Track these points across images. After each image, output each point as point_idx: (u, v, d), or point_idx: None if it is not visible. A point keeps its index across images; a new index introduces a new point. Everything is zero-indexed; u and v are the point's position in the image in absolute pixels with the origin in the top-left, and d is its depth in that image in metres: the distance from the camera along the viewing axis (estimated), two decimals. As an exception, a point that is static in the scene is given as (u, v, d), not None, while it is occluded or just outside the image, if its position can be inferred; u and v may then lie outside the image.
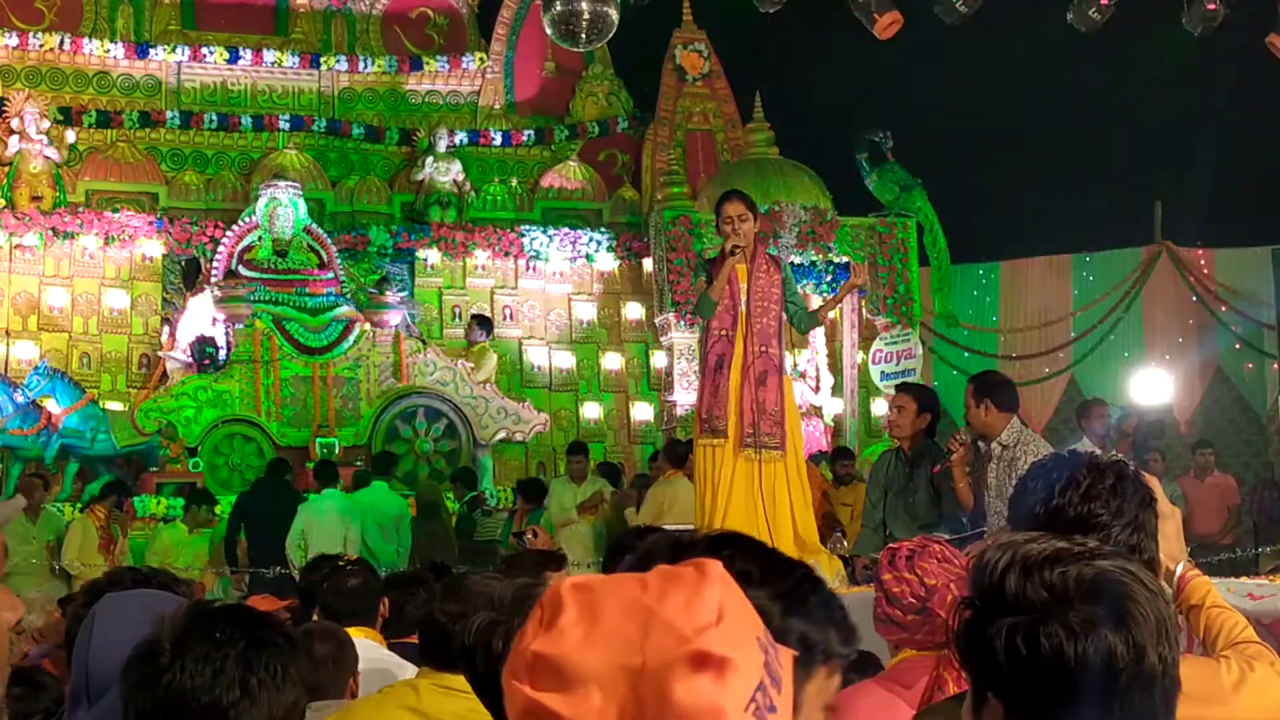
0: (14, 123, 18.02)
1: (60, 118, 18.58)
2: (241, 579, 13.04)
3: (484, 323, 18.05)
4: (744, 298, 8.13)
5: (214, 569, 13.25)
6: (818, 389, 17.85)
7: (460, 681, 3.87)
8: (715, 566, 1.31)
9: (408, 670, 4.45)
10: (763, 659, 1.28)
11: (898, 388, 8.94)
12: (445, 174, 19.31)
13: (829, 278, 17.90)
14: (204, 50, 19.56)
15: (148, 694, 2.14)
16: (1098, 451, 7.57)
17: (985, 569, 1.78)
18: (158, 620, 2.21)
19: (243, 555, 13.24)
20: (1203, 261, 19.70)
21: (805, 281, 17.05)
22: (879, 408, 18.08)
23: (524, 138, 20.30)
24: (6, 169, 17.99)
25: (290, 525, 13.01)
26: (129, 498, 14.48)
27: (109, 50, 19.34)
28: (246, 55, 19.69)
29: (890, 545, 3.81)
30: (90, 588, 3.28)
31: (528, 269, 19.33)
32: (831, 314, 16.32)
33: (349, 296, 17.62)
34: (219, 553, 13.51)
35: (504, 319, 19.18)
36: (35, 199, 17.86)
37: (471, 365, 17.53)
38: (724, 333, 8.13)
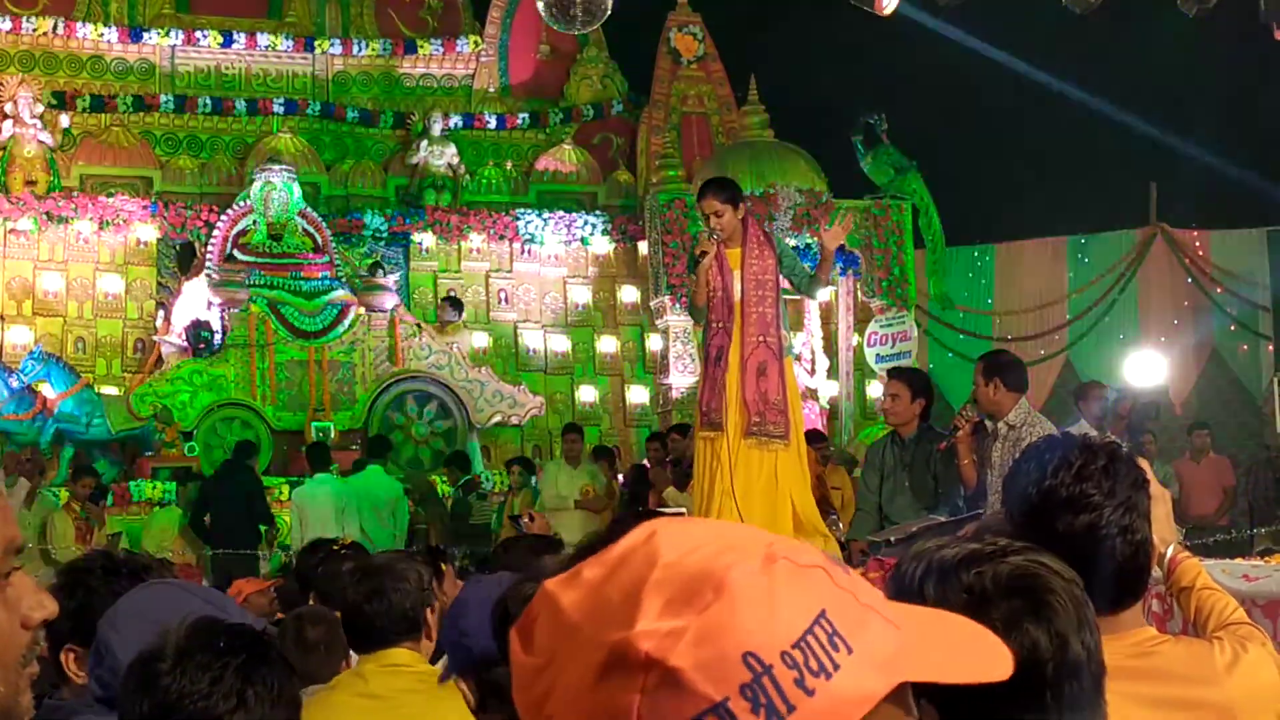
0: (8, 107, 17.99)
1: (54, 102, 18.55)
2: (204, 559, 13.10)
3: (455, 304, 18.10)
4: (738, 286, 8.04)
5: (190, 549, 13.28)
6: (813, 371, 17.85)
7: (403, 655, 3.92)
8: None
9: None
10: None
11: (890, 373, 8.89)
12: (440, 157, 19.29)
13: (824, 260, 17.87)
14: (198, 34, 19.52)
15: (145, 698, 2.18)
16: (1093, 433, 7.59)
17: (904, 579, 1.80)
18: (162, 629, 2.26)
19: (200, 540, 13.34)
20: (1198, 243, 19.71)
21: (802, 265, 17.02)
22: (874, 390, 18.09)
23: (518, 121, 20.28)
24: (0, 153, 17.96)
25: (249, 507, 13.25)
26: (102, 489, 14.29)
27: (103, 34, 19.30)
28: (240, 39, 19.66)
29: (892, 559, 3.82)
30: (65, 571, 3.28)
31: (523, 252, 19.32)
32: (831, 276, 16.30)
33: (344, 280, 17.62)
34: (187, 533, 13.52)
35: (499, 302, 19.18)
36: (29, 183, 17.83)
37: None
38: (721, 325, 8.07)
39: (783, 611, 1.04)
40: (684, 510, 10.48)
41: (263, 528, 13.61)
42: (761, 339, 8.01)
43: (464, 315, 18.16)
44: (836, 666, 1.04)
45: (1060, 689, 1.73)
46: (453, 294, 18.57)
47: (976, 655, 1.16)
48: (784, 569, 1.06)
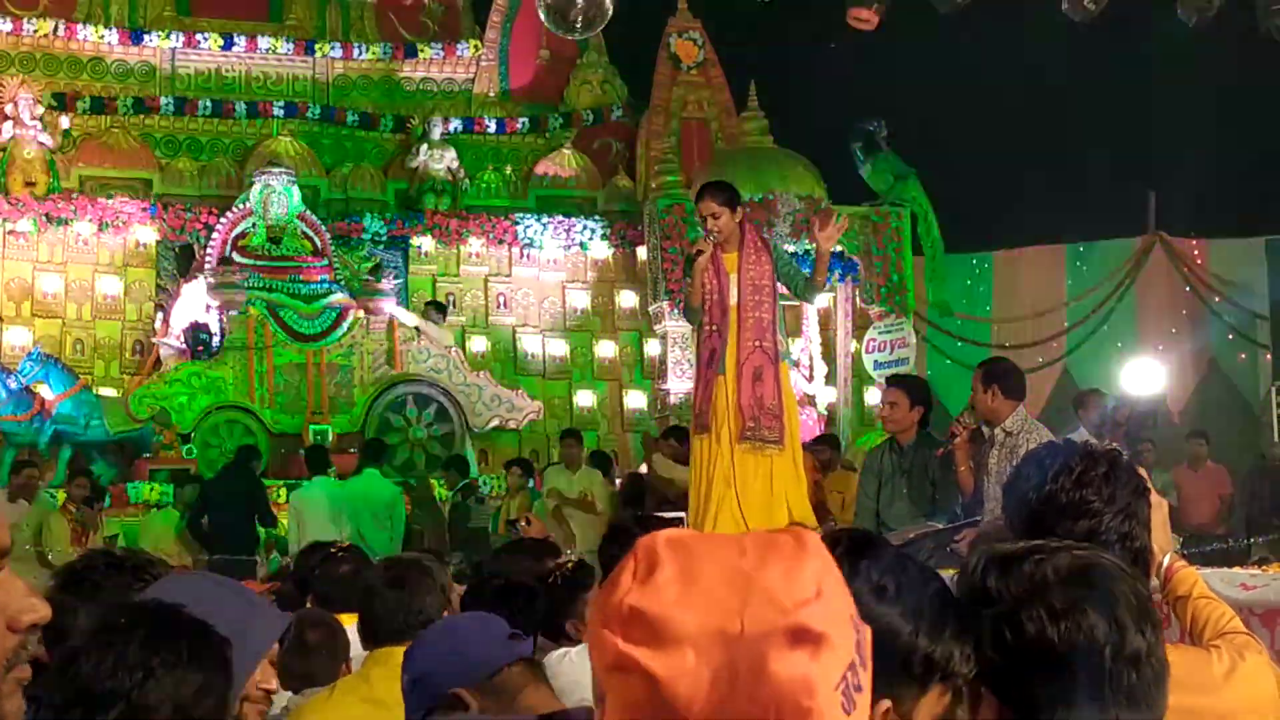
0: (8, 108, 17.98)
1: (54, 104, 18.54)
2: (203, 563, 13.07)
3: (439, 307, 18.08)
4: (734, 290, 8.03)
5: (187, 551, 13.25)
6: (811, 378, 17.85)
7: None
8: (812, 538, 1.30)
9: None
10: (855, 638, 1.27)
11: (889, 381, 8.89)
12: (439, 161, 19.29)
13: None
14: (198, 37, 19.52)
15: (60, 689, 2.20)
16: (1093, 440, 7.58)
17: (967, 572, 1.80)
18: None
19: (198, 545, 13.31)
20: (1196, 252, 19.72)
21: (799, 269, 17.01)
22: (872, 397, 18.09)
23: (518, 125, 20.28)
24: (0, 155, 17.96)
25: (250, 510, 13.27)
26: (100, 491, 14.25)
27: (103, 36, 19.30)
28: (241, 42, 19.66)
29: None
30: (64, 571, 3.28)
31: (522, 257, 19.33)
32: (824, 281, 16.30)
33: (343, 284, 17.62)
34: (185, 535, 13.50)
35: (498, 306, 19.18)
36: (29, 185, 17.83)
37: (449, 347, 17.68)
38: (715, 328, 8.06)
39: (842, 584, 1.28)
40: (673, 480, 10.50)
41: (263, 532, 13.61)
42: (757, 344, 8.00)
43: (448, 319, 18.12)
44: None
45: (1119, 678, 1.72)
46: (440, 299, 18.51)
47: None
48: (813, 541, 1.29)
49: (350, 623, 4.68)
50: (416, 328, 17.44)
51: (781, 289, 8.25)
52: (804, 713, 1.20)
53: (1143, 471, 2.84)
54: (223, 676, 2.29)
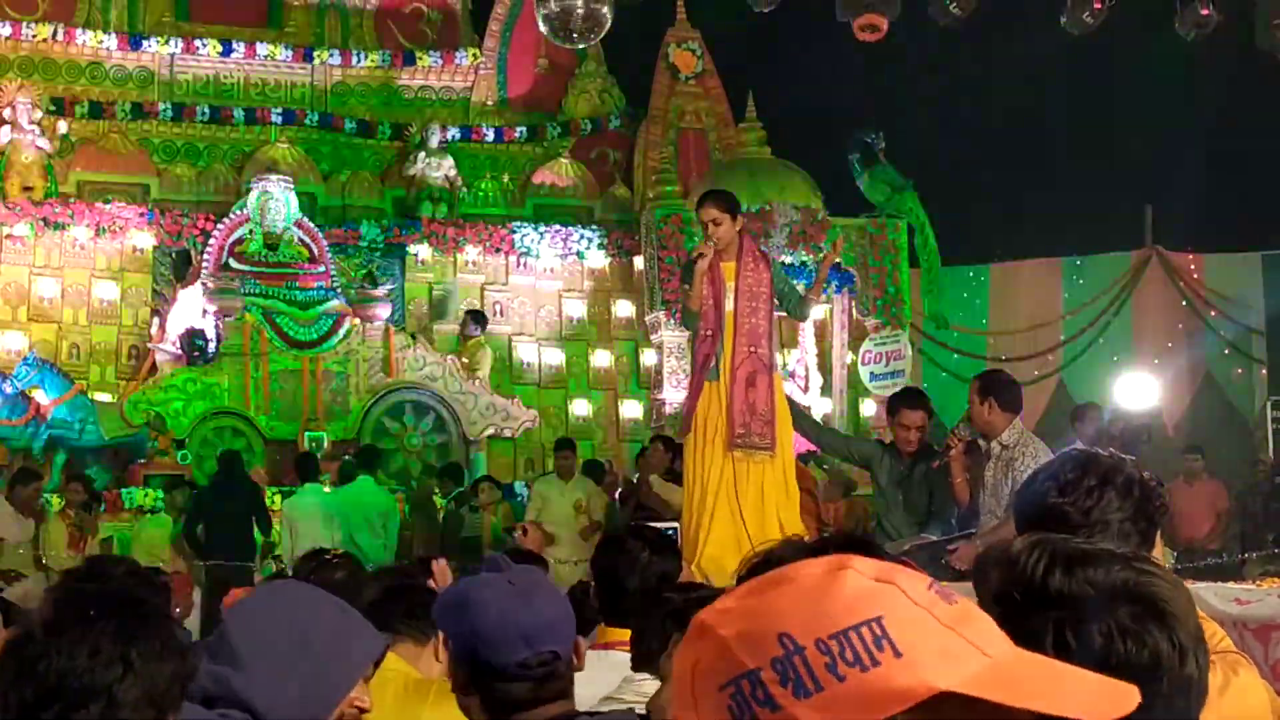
0: (6, 112, 17.98)
1: (52, 108, 18.54)
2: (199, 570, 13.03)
3: (478, 318, 18.07)
4: (731, 297, 8.06)
5: (182, 558, 13.21)
6: (806, 389, 17.86)
7: (391, 660, 3.95)
8: (851, 559, 1.28)
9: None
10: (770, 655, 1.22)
11: (904, 401, 8.66)
12: (437, 169, 19.30)
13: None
14: (197, 43, 19.53)
15: (26, 685, 2.12)
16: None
17: (1022, 565, 1.74)
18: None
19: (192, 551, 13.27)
20: (1192, 266, 19.74)
21: (797, 282, 17.00)
22: (868, 408, 18.11)
23: (516, 134, 20.29)
24: (-2, 159, 17.96)
25: (247, 517, 13.21)
26: (96, 496, 14.19)
27: (102, 41, 19.30)
28: (239, 48, 19.66)
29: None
30: (71, 574, 3.26)
31: (518, 265, 19.32)
32: (821, 298, 16.34)
33: (339, 291, 17.62)
34: (180, 542, 13.45)
35: (494, 315, 19.17)
36: (26, 189, 17.82)
37: (465, 360, 17.58)
38: (710, 333, 8.09)
39: (827, 606, 1.19)
40: (669, 502, 10.50)
41: (259, 538, 13.59)
42: (752, 350, 8.02)
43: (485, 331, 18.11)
44: (876, 663, 1.17)
45: (1172, 703, 1.70)
46: (476, 308, 18.48)
47: (1091, 692, 1.25)
48: (850, 577, 1.21)
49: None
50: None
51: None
52: None
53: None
54: (189, 664, 2.23)
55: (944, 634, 1.20)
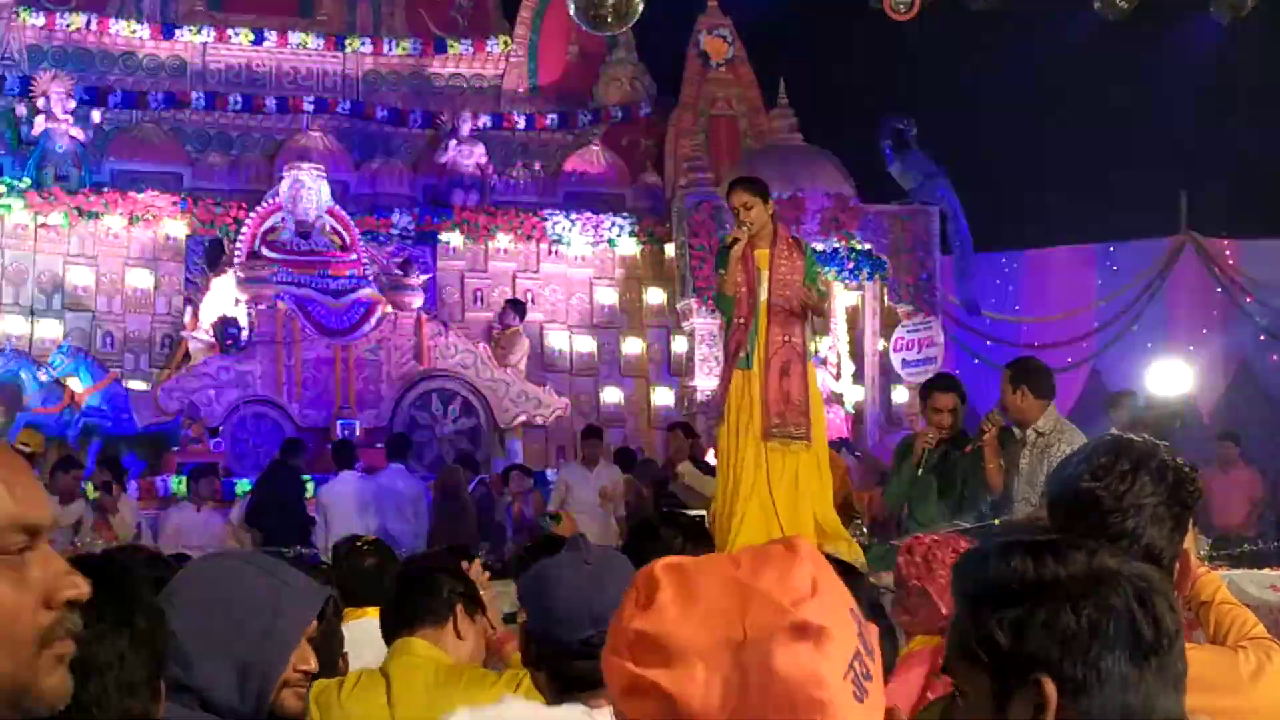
0: (40, 102, 18.06)
1: (86, 98, 18.63)
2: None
3: (517, 306, 18.11)
4: (765, 285, 7.99)
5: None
6: (838, 376, 17.82)
7: (419, 646, 3.97)
8: (805, 543, 1.35)
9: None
10: (856, 629, 1.32)
11: (936, 385, 8.57)
12: (468, 157, 19.32)
13: (850, 264, 17.88)
14: (229, 32, 19.60)
15: None
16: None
17: (1019, 559, 1.72)
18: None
19: (259, 537, 13.27)
20: (1228, 252, 19.59)
21: (829, 269, 16.99)
22: (900, 395, 18.06)
23: (547, 121, 20.30)
24: (32, 148, 18.04)
25: (295, 507, 13.31)
26: (118, 476, 14.22)
27: (135, 31, 19.39)
28: (272, 37, 19.73)
29: (917, 536, 3.87)
30: (79, 561, 3.25)
31: (550, 253, 19.33)
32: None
33: (371, 279, 17.66)
34: (240, 528, 13.49)
35: (526, 302, 19.20)
36: (61, 179, 17.91)
37: (502, 349, 17.63)
38: (742, 322, 8.03)
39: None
40: (701, 491, 10.47)
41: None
42: (786, 339, 7.97)
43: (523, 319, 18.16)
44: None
45: (1151, 642, 1.68)
46: (516, 297, 18.52)
47: None
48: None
49: (375, 616, 4.68)
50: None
51: None
52: (817, 705, 1.25)
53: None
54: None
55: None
